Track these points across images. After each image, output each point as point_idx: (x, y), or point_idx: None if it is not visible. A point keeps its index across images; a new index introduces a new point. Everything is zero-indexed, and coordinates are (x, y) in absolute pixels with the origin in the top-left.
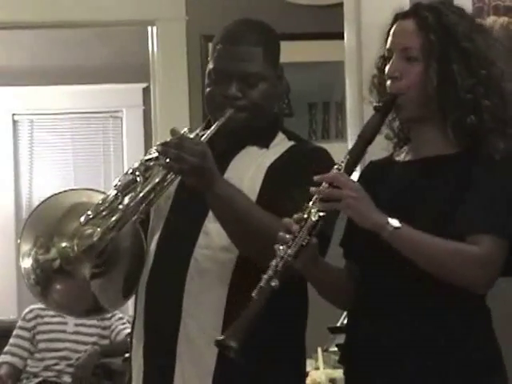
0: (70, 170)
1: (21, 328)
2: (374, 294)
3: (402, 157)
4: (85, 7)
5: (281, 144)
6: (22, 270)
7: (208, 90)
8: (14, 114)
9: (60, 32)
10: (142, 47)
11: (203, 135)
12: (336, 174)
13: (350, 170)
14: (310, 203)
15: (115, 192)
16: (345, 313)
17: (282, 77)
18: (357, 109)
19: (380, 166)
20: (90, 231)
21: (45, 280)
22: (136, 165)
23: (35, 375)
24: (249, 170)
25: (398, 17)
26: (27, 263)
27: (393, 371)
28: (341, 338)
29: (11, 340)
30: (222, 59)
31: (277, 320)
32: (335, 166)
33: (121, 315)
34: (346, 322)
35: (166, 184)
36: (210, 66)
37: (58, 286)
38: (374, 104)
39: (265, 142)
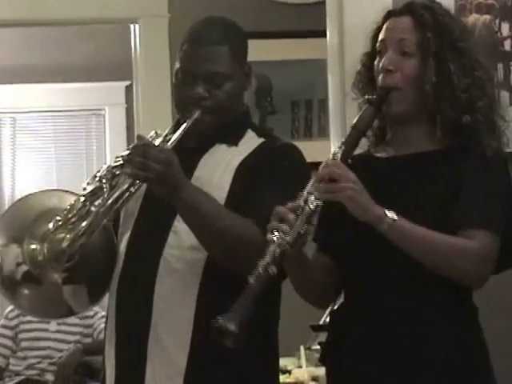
0: (52, 168)
1: (3, 326)
2: (361, 293)
3: (383, 153)
4: (67, 5)
5: (250, 141)
6: None
7: (175, 90)
8: None
9: (42, 30)
10: (124, 45)
11: (170, 139)
12: (333, 169)
13: (344, 161)
14: (305, 192)
15: (83, 199)
16: (327, 311)
17: (250, 74)
18: (339, 107)
19: (359, 160)
20: (60, 236)
21: (11, 283)
22: (103, 172)
23: (17, 374)
24: (218, 168)
25: (392, 14)
26: None
27: (382, 371)
28: (323, 337)
29: None
30: (188, 59)
31: None
32: (330, 156)
33: (103, 313)
34: (328, 320)
35: (133, 190)
36: (177, 66)
37: (26, 291)
38: (368, 96)
39: (234, 140)
